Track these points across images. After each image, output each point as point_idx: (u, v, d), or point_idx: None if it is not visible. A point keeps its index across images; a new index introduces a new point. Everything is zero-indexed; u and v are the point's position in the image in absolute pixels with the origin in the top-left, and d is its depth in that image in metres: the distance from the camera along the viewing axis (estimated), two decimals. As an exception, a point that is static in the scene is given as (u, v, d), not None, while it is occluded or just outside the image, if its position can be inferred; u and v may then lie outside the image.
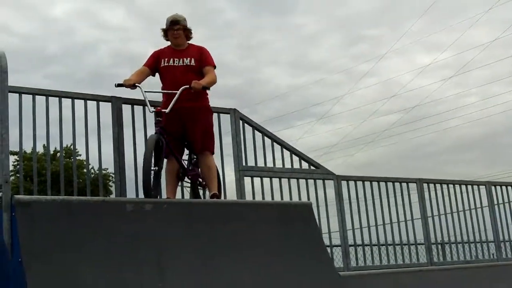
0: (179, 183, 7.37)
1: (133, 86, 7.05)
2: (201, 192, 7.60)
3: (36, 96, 6.84)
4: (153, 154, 6.39)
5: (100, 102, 7.27)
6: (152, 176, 6.42)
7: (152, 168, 6.43)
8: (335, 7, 76.49)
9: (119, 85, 7.09)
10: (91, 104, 7.22)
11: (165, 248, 5.74)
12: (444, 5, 70.70)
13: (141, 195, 7.14)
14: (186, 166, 7.32)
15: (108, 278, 5.24)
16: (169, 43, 7.52)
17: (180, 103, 6.80)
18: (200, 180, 7.49)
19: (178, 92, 6.82)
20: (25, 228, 5.04)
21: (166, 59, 7.34)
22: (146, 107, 7.16)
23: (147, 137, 6.73)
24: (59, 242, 5.17)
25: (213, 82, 7.21)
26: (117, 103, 7.30)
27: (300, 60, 75.50)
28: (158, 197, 6.79)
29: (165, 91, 7.13)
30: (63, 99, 7.03)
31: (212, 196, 7.07)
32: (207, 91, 7.29)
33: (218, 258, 6.06)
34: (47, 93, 6.92)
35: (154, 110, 6.89)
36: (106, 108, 7.30)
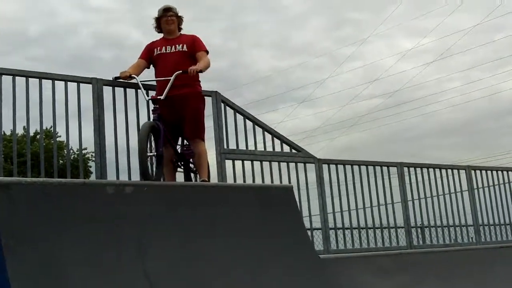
0: (176, 169, 7.43)
1: (129, 78, 7.25)
2: (192, 176, 7.62)
3: (16, 77, 6.80)
4: (147, 139, 6.42)
5: (81, 84, 7.24)
6: (150, 161, 6.57)
7: (149, 153, 6.46)
8: (321, -12, 76.35)
9: (116, 78, 7.29)
10: (72, 86, 7.19)
11: (146, 230, 5.73)
12: (426, -11, 70.76)
13: (122, 178, 7.18)
14: (179, 152, 7.37)
15: (89, 260, 5.22)
16: (161, 35, 7.61)
17: (173, 90, 6.88)
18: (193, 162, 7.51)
19: (172, 77, 6.92)
20: (4, 211, 4.99)
21: (158, 48, 7.49)
22: (143, 95, 7.29)
23: (141, 124, 6.76)
24: (39, 224, 5.14)
25: (208, 65, 7.32)
26: (98, 84, 7.27)
27: (284, 43, 75.42)
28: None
29: (160, 78, 7.22)
30: (43, 80, 6.99)
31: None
32: (199, 79, 7.42)
33: (199, 240, 6.06)
34: (27, 74, 6.89)
35: (150, 98, 6.96)
36: (87, 90, 7.28)
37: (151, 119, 6.78)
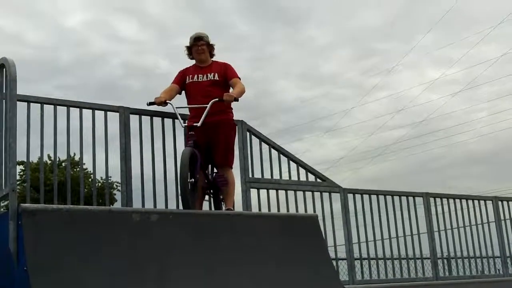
0: (204, 197, 7.45)
1: (164, 103, 7.26)
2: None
3: (44, 105, 6.87)
4: (188, 166, 6.46)
5: (108, 112, 7.30)
6: (190, 188, 6.52)
7: (189, 180, 6.50)
8: (346, 20, 76.53)
9: (150, 104, 7.30)
10: (99, 115, 7.25)
11: (169, 259, 5.74)
12: (454, 20, 70.67)
13: (148, 205, 7.21)
14: (210, 179, 7.42)
15: (111, 287, 5.24)
16: (193, 62, 7.69)
17: (207, 117, 6.89)
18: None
19: (209, 105, 6.98)
20: (31, 237, 5.04)
21: (191, 76, 7.56)
22: (178, 121, 7.32)
23: (182, 151, 6.78)
24: (64, 251, 5.17)
25: (243, 92, 7.38)
26: (124, 113, 7.33)
27: (310, 73, 75.53)
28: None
29: (195, 105, 7.26)
30: (71, 109, 7.06)
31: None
32: (231, 106, 7.48)
33: (223, 270, 6.05)
34: (55, 102, 6.95)
35: (186, 124, 7.02)
36: (114, 119, 7.33)
37: (188, 146, 6.80)
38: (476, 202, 11.18)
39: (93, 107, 7.19)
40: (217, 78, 7.45)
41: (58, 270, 5.05)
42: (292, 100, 74.25)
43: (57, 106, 6.96)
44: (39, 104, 6.83)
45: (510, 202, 11.76)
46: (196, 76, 7.49)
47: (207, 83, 7.41)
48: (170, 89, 7.49)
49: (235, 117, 7.71)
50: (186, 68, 7.68)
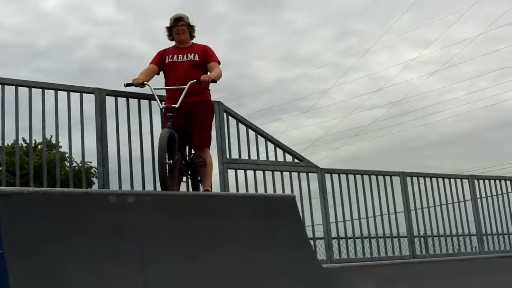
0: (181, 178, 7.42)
1: (142, 85, 7.17)
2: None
3: (19, 87, 6.81)
4: (166, 148, 6.45)
5: (84, 94, 7.25)
6: (168, 170, 6.52)
7: (167, 161, 6.48)
8: (326, 1, 76.55)
9: (128, 85, 7.19)
10: (75, 97, 7.20)
11: (147, 240, 5.73)
12: (430, 1, 70.88)
13: (124, 187, 7.19)
14: (188, 160, 7.39)
15: (90, 270, 5.23)
16: (173, 43, 7.63)
17: (184, 98, 6.86)
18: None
19: (187, 86, 6.93)
20: (6, 220, 5.00)
21: (170, 56, 7.49)
22: (156, 103, 7.23)
23: (160, 133, 6.74)
24: (41, 234, 5.14)
25: (220, 75, 7.32)
26: (100, 94, 7.29)
27: (289, 54, 75.56)
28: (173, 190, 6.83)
29: (173, 87, 7.20)
30: (46, 91, 7.00)
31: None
32: (209, 88, 7.44)
33: (201, 250, 6.06)
34: (30, 85, 6.90)
35: (164, 106, 6.98)
36: (90, 101, 7.29)
37: (166, 128, 6.76)
38: (452, 180, 11.26)
39: (69, 89, 7.15)
40: (197, 59, 7.41)
41: (35, 254, 5.03)
42: (270, 81, 74.28)
43: (32, 88, 6.90)
44: (14, 87, 6.77)
45: (486, 181, 11.86)
46: (176, 56, 7.45)
47: (187, 63, 7.36)
48: (149, 70, 7.42)
49: (213, 99, 7.69)
50: (166, 49, 7.62)
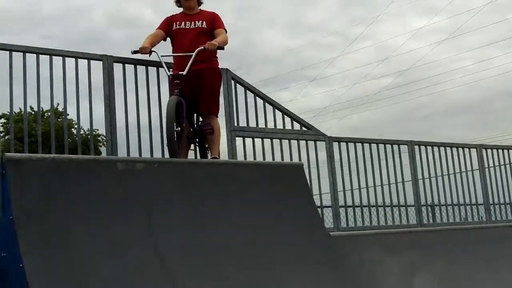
0: (189, 146, 7.43)
1: (149, 53, 7.14)
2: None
3: (27, 54, 6.79)
4: (174, 115, 6.44)
5: (92, 62, 7.23)
6: (176, 137, 6.54)
7: (175, 128, 6.49)
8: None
9: (135, 52, 7.18)
10: (83, 65, 7.18)
11: (156, 207, 5.76)
12: (440, -33, 70.10)
13: (133, 154, 7.20)
14: (196, 127, 7.41)
15: (98, 235, 5.26)
16: (180, 10, 7.60)
17: (192, 65, 6.84)
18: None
19: (194, 53, 6.91)
20: (15, 186, 5.03)
21: (178, 22, 7.45)
22: (163, 70, 7.19)
23: (168, 100, 6.73)
24: (50, 199, 5.17)
25: (226, 42, 7.29)
26: (108, 61, 7.26)
27: (296, 22, 75.14)
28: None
29: (180, 53, 7.17)
30: (54, 58, 6.98)
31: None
32: (217, 55, 7.41)
33: (208, 217, 6.09)
34: (38, 51, 6.87)
35: (171, 73, 6.97)
36: (98, 68, 7.27)
37: (173, 95, 6.75)
38: (460, 150, 11.23)
39: (76, 56, 7.12)
40: (205, 26, 7.37)
41: (44, 219, 5.07)
42: (278, 49, 73.99)
43: (40, 55, 6.88)
44: (22, 53, 6.75)
45: (494, 150, 11.83)
46: (183, 23, 7.40)
47: (195, 30, 7.32)
48: (155, 35, 7.39)
49: (220, 66, 7.65)
50: (173, 15, 7.56)
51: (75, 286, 4.96)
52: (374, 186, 9.78)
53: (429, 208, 10.99)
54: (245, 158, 8.15)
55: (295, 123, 8.85)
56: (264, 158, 8.30)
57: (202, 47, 6.95)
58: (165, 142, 6.84)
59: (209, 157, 7.34)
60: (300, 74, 77.62)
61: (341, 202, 9.23)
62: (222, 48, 7.14)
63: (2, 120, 26.89)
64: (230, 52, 7.40)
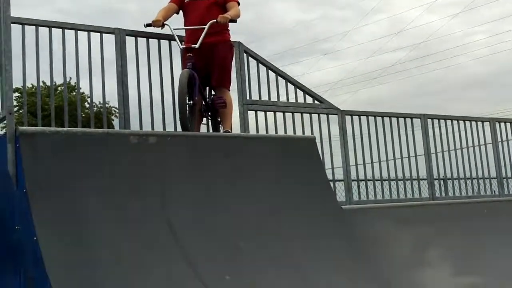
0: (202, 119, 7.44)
1: (162, 26, 7.15)
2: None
3: (39, 27, 6.79)
4: (187, 88, 6.44)
5: (104, 35, 7.22)
6: (188, 110, 6.56)
7: (187, 102, 6.48)
8: None
9: (147, 25, 7.19)
10: (96, 39, 7.18)
11: (168, 180, 5.78)
12: None
13: (145, 128, 7.22)
14: (208, 101, 7.41)
15: (112, 208, 5.30)
16: None
17: (204, 38, 6.84)
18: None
19: (207, 26, 6.91)
20: (29, 159, 5.07)
21: None
22: (176, 43, 7.18)
23: (180, 73, 6.74)
24: (63, 173, 5.20)
25: (238, 15, 7.27)
26: (120, 34, 7.26)
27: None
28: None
29: (193, 27, 7.16)
30: (66, 31, 6.99)
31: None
32: (228, 27, 7.41)
33: (221, 191, 6.11)
34: (50, 25, 6.87)
35: (184, 46, 6.94)
36: (110, 43, 7.26)
37: (186, 68, 6.75)
38: (473, 123, 11.18)
39: (89, 29, 7.11)
40: None
41: (57, 191, 5.10)
42: (290, 22, 73.62)
43: (52, 29, 6.88)
44: (34, 27, 6.76)
45: (507, 124, 11.77)
46: None
47: (206, 3, 7.29)
48: (168, 9, 7.38)
49: (232, 39, 7.63)
50: None
51: (88, 259, 5.00)
52: (387, 160, 9.77)
53: (442, 182, 10.98)
54: (257, 131, 8.15)
55: (307, 97, 8.82)
56: (276, 132, 8.30)
57: (215, 20, 6.94)
58: (177, 115, 6.85)
59: (221, 130, 7.35)
60: (313, 48, 77.23)
61: (353, 176, 9.22)
62: (235, 21, 7.13)
63: (16, 94, 26.95)
64: (242, 25, 7.38)
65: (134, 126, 7.25)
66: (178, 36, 7.14)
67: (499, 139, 11.53)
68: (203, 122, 7.49)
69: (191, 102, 6.64)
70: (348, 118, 9.26)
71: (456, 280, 7.31)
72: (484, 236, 8.07)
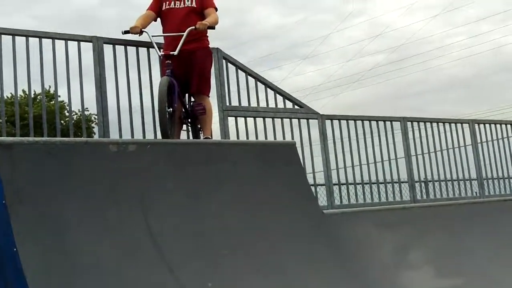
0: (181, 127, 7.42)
1: (140, 33, 7.10)
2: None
3: (16, 37, 6.76)
4: (166, 96, 6.42)
5: (82, 43, 7.20)
6: (168, 118, 6.52)
7: (167, 109, 6.47)
8: None
9: (125, 32, 7.14)
10: (73, 47, 7.15)
11: (148, 188, 5.75)
12: None
13: (125, 136, 7.19)
14: (188, 108, 7.36)
15: (92, 217, 5.26)
16: None
17: (182, 45, 6.83)
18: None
19: (185, 33, 6.88)
20: (7, 171, 5.01)
21: (167, 2, 7.40)
22: (154, 50, 7.17)
23: (160, 81, 6.71)
24: (42, 184, 5.15)
25: (216, 22, 7.28)
26: (98, 43, 7.24)
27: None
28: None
29: (171, 34, 7.14)
30: (44, 40, 6.95)
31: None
32: (207, 34, 7.39)
33: (202, 196, 6.08)
34: (27, 34, 6.84)
35: (163, 53, 6.92)
36: (89, 50, 7.24)
37: (165, 75, 6.74)
38: (453, 125, 11.27)
39: (66, 38, 7.09)
40: (194, 5, 7.32)
41: (37, 202, 5.05)
42: (270, 28, 73.79)
43: (29, 38, 6.84)
44: (11, 36, 6.72)
45: (486, 125, 11.86)
46: (173, 2, 7.36)
47: (184, 10, 7.28)
48: (146, 16, 7.35)
49: (211, 46, 7.63)
50: None
51: (69, 268, 4.96)
52: (368, 163, 9.81)
53: (423, 184, 11.03)
54: (238, 137, 8.16)
55: (287, 102, 8.84)
56: (256, 137, 8.31)
57: (193, 27, 6.93)
58: (157, 123, 6.83)
59: (201, 137, 7.34)
60: (293, 53, 77.53)
61: (335, 180, 9.25)
62: (213, 28, 7.13)
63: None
64: (222, 31, 7.41)
65: (114, 132, 7.23)
66: (156, 43, 7.13)
67: (479, 141, 11.62)
68: (183, 129, 7.47)
69: (171, 109, 6.61)
70: (328, 122, 9.28)
71: (438, 281, 7.32)
72: (465, 237, 8.09)
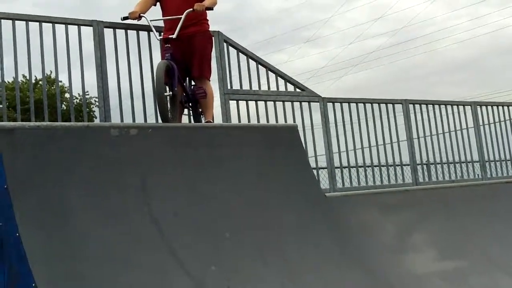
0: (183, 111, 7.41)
1: (138, 17, 7.10)
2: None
3: (16, 21, 6.73)
4: (163, 79, 6.40)
5: (83, 28, 7.17)
6: (167, 101, 6.53)
7: (166, 93, 6.44)
8: None
9: (124, 18, 7.15)
10: (74, 31, 7.12)
11: (150, 172, 5.74)
12: None
13: (126, 120, 7.18)
14: (188, 92, 7.34)
15: (94, 203, 5.26)
16: None
17: (181, 29, 6.80)
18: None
19: (183, 16, 6.86)
20: (9, 155, 5.01)
21: None
22: (153, 34, 7.13)
23: (157, 64, 6.69)
24: (44, 168, 5.16)
25: (215, 3, 7.22)
26: (98, 27, 7.21)
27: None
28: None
29: (170, 17, 7.12)
30: (44, 24, 6.92)
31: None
32: (207, 17, 7.36)
33: (203, 181, 6.08)
34: (27, 18, 6.81)
35: (161, 37, 6.95)
36: (89, 35, 7.22)
37: (164, 59, 6.72)
38: (455, 107, 11.24)
39: (66, 22, 7.06)
40: None
41: (39, 187, 5.06)
42: (272, 10, 73.58)
43: (29, 22, 6.81)
44: (11, 21, 6.69)
45: (488, 107, 11.83)
46: None
47: None
48: (145, 1, 7.33)
49: (212, 29, 7.59)
50: None
51: (71, 253, 4.97)
52: (370, 146, 9.79)
53: (425, 167, 11.01)
54: (239, 121, 8.14)
55: (289, 85, 8.81)
56: (258, 121, 8.29)
57: (191, 9, 6.90)
58: (157, 106, 6.81)
59: (203, 121, 7.33)
60: (295, 35, 77.28)
61: (337, 163, 9.24)
62: (211, 9, 7.09)
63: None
64: (224, 15, 7.37)
65: (116, 117, 7.22)
66: (156, 27, 7.10)
67: (481, 123, 11.60)
68: (184, 113, 7.45)
69: (171, 93, 6.60)
70: (330, 105, 9.26)
71: (441, 264, 7.33)
72: (467, 219, 8.09)
